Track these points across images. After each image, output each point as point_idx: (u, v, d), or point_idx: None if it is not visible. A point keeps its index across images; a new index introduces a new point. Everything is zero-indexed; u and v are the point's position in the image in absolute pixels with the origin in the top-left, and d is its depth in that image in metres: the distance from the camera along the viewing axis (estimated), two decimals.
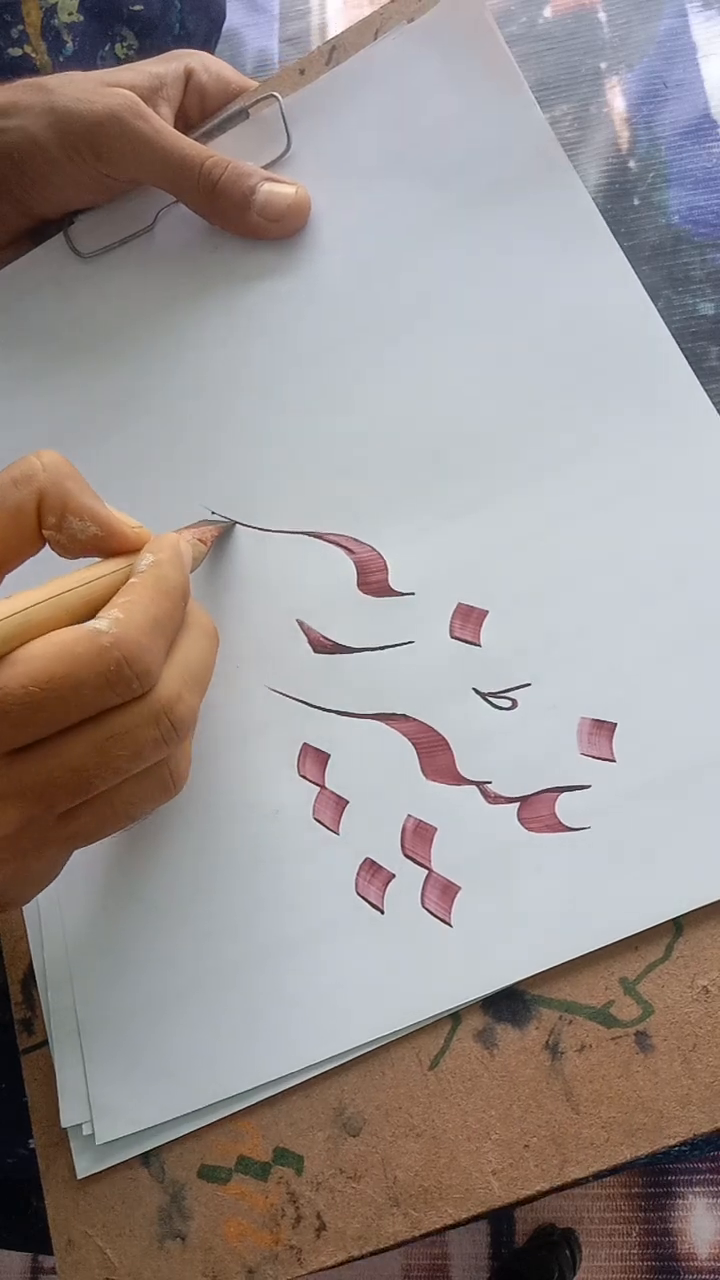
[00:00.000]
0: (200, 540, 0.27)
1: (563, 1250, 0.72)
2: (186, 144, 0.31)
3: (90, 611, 0.21)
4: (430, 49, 0.31)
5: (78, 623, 0.21)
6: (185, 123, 0.34)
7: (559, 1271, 0.70)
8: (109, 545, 0.23)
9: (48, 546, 0.23)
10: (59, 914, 0.29)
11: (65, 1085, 0.27)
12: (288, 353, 0.31)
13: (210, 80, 0.34)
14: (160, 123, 0.31)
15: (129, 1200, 0.26)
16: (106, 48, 0.43)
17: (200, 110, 0.35)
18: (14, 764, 0.20)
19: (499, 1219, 0.78)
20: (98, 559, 0.23)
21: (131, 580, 0.22)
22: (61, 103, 0.31)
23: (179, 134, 0.31)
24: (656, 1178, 0.76)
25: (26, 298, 0.35)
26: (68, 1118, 0.27)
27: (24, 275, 0.35)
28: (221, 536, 0.30)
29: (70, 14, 0.41)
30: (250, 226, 0.31)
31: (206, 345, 0.32)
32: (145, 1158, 0.26)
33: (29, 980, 0.29)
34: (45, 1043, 0.28)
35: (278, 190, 0.31)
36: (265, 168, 0.32)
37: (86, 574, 0.22)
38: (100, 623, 0.20)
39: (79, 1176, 0.26)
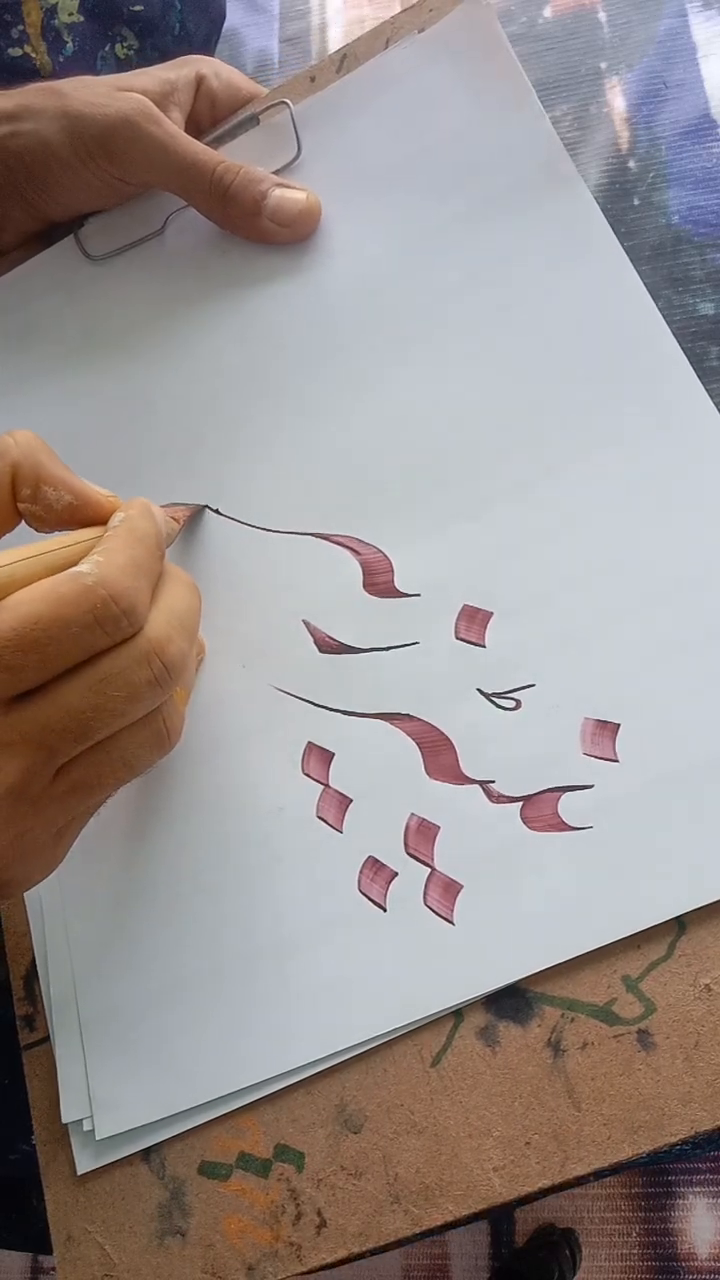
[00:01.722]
0: (173, 518, 0.27)
1: (563, 1250, 0.72)
2: (199, 149, 0.31)
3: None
4: (440, 58, 0.32)
5: None
6: (196, 128, 0.35)
7: (559, 1271, 0.70)
8: (84, 514, 0.23)
9: (22, 528, 0.24)
10: (61, 909, 0.29)
11: (66, 1080, 0.27)
12: (296, 356, 0.31)
13: (221, 86, 0.34)
14: (173, 127, 0.31)
15: (129, 1196, 0.26)
16: (106, 48, 0.43)
17: (210, 116, 0.35)
18: (11, 712, 0.21)
19: (499, 1219, 0.78)
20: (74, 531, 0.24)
21: (106, 534, 0.23)
22: (74, 106, 0.31)
23: (191, 139, 0.31)
24: (656, 1178, 0.76)
25: (36, 299, 0.35)
26: (68, 1113, 0.27)
27: (34, 277, 0.35)
28: (194, 519, 0.30)
29: (70, 14, 0.41)
30: (261, 231, 0.32)
31: (215, 348, 0.32)
32: (146, 1154, 0.26)
33: (31, 976, 0.29)
34: (47, 1039, 0.28)
35: (289, 196, 0.31)
36: (275, 173, 0.32)
37: (67, 538, 0.23)
38: (83, 567, 0.21)
39: (79, 1172, 0.26)
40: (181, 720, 0.25)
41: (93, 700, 0.21)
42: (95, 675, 0.21)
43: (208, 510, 0.31)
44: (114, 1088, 0.26)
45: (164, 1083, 0.26)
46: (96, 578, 0.21)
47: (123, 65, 0.44)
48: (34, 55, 0.41)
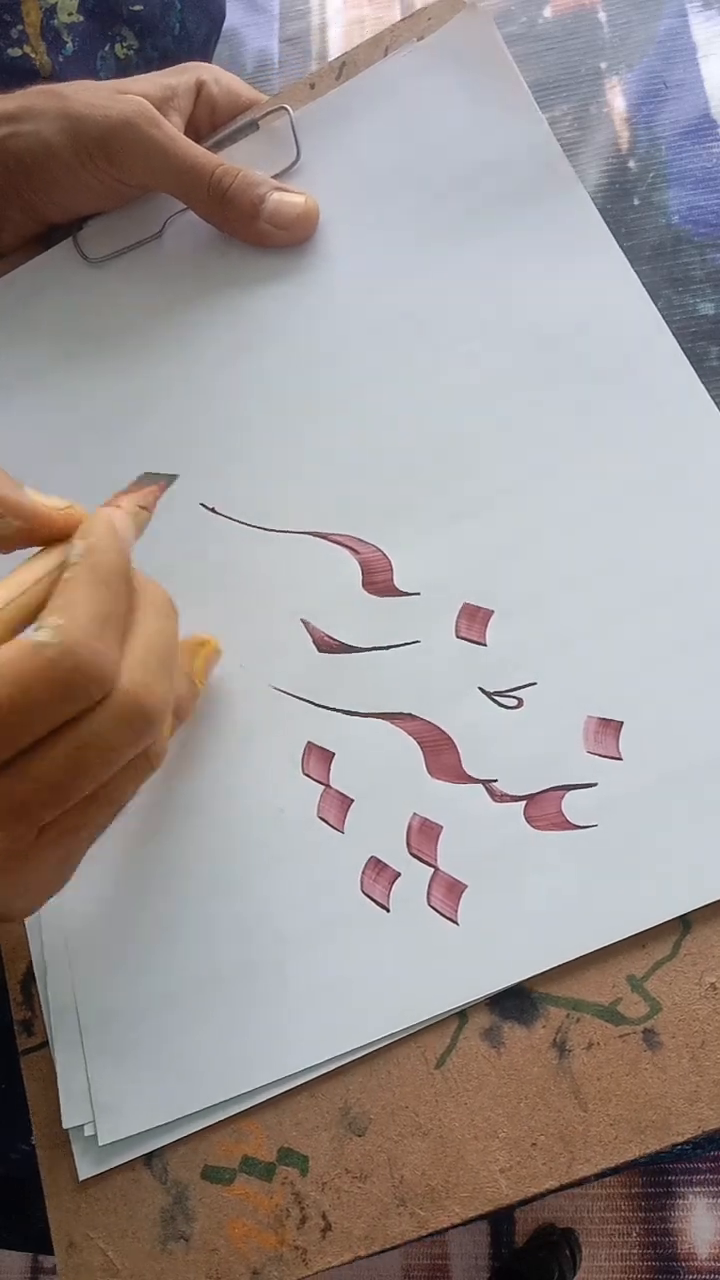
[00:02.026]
0: (143, 507, 0.25)
1: (563, 1250, 0.72)
2: (198, 152, 0.31)
3: (34, 617, 0.20)
4: (439, 65, 0.32)
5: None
6: (195, 134, 0.35)
7: (559, 1271, 0.70)
8: (38, 536, 0.22)
9: None
10: (59, 912, 0.28)
11: (67, 1086, 0.27)
12: (293, 358, 0.31)
13: (221, 93, 0.34)
14: (173, 130, 0.31)
15: (131, 1202, 0.26)
16: (106, 48, 0.43)
17: (210, 122, 0.35)
18: None
19: (499, 1219, 0.78)
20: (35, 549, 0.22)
21: (66, 575, 0.21)
22: (75, 108, 0.31)
23: (190, 142, 0.31)
24: (657, 1178, 0.76)
25: (34, 301, 0.35)
26: (69, 1119, 0.26)
27: (32, 279, 0.35)
28: (166, 492, 0.28)
29: (70, 14, 0.41)
30: (259, 234, 0.32)
31: (212, 350, 0.32)
32: (148, 1159, 0.26)
33: (28, 980, 0.29)
34: (45, 1044, 0.28)
35: (287, 199, 0.31)
36: (274, 178, 0.32)
37: (23, 577, 0.21)
38: (42, 634, 0.19)
39: (80, 1178, 0.26)
40: (165, 746, 0.23)
41: (69, 768, 0.20)
42: (71, 743, 0.20)
43: (205, 509, 0.31)
44: (116, 1092, 0.26)
45: (166, 1087, 0.26)
46: (59, 649, 0.19)
47: (122, 65, 0.44)
48: (33, 55, 0.41)
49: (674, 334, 0.28)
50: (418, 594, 0.28)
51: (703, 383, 0.27)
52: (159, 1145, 0.26)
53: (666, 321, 0.28)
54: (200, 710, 0.29)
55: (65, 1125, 0.26)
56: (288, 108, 0.33)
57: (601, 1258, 0.75)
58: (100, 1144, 0.26)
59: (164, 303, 0.33)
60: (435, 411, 0.29)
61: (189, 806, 0.28)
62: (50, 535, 0.22)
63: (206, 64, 0.35)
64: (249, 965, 0.26)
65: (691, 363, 0.27)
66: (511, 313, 0.29)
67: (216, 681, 0.29)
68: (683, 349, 0.28)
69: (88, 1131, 0.26)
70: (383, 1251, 0.24)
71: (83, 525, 0.22)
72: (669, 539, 0.26)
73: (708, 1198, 0.75)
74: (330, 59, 0.35)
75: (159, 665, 0.21)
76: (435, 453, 0.29)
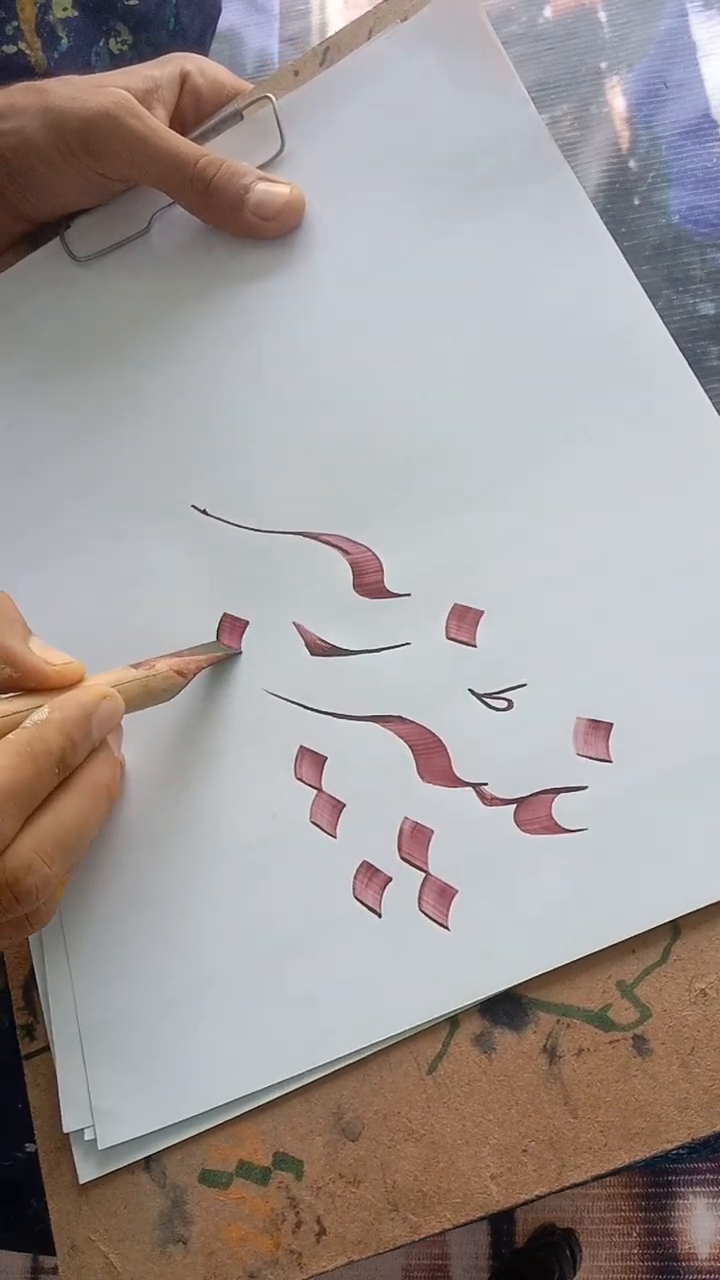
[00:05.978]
0: (178, 672, 0.27)
1: (563, 1250, 0.72)
2: (180, 142, 0.31)
3: None
4: (424, 47, 0.31)
5: None
6: (181, 125, 0.34)
7: (559, 1271, 0.70)
8: (25, 685, 0.23)
9: None
10: (57, 919, 0.29)
11: (67, 1090, 0.27)
12: (283, 353, 0.31)
13: (206, 83, 0.34)
14: (154, 121, 0.31)
15: (131, 1205, 0.26)
16: (101, 43, 0.43)
17: (196, 113, 0.35)
18: None
19: (499, 1219, 0.78)
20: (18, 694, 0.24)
21: (10, 736, 0.22)
22: (55, 102, 0.31)
23: (173, 133, 0.31)
24: (657, 1178, 0.76)
25: (23, 302, 0.35)
26: (69, 1123, 0.27)
27: (21, 280, 0.35)
28: (224, 661, 0.29)
29: (65, 9, 0.41)
30: (245, 225, 0.31)
31: (202, 347, 0.32)
32: (146, 1162, 0.26)
33: (30, 985, 0.29)
34: (47, 1048, 0.28)
35: (272, 189, 0.31)
36: (260, 168, 0.32)
37: None
38: None
39: (81, 1181, 0.26)
40: (50, 910, 0.24)
41: None
42: None
43: (196, 511, 0.30)
44: (114, 1097, 0.26)
45: (164, 1092, 0.26)
46: None
47: (117, 60, 0.44)
48: (28, 52, 0.40)
49: (674, 334, 0.27)
50: (408, 595, 0.28)
51: (702, 382, 0.26)
52: (157, 1149, 0.26)
53: (666, 321, 0.27)
54: (193, 715, 0.29)
55: (65, 1129, 0.27)
56: (271, 96, 0.33)
57: (601, 1258, 0.75)
58: (100, 1148, 0.26)
59: (153, 300, 0.33)
60: (426, 406, 0.29)
61: (182, 812, 0.28)
62: (39, 686, 0.23)
63: (191, 54, 0.35)
64: (243, 971, 0.26)
65: (691, 363, 0.27)
66: (502, 303, 0.29)
67: (208, 685, 0.29)
68: (682, 349, 0.27)
69: (87, 1135, 0.26)
70: (376, 1255, 0.25)
71: (61, 697, 0.23)
72: (661, 538, 0.26)
73: (708, 1198, 0.75)
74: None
75: (56, 849, 0.23)
76: (425, 449, 0.28)
